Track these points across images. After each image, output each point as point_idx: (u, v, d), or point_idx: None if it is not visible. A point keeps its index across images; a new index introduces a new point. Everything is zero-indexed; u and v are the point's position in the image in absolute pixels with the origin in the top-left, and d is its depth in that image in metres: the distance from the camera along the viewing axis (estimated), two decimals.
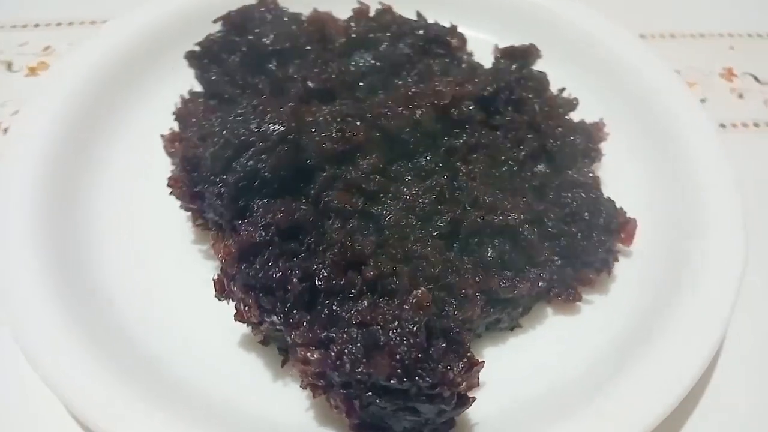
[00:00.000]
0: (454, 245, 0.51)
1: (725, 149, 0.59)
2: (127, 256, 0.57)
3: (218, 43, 0.59)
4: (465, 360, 0.44)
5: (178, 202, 0.55)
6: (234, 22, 0.60)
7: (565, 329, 0.53)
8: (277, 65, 0.59)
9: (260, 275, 0.45)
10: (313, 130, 0.50)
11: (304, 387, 0.45)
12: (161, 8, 0.72)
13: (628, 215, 0.55)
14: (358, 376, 0.41)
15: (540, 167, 0.55)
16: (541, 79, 0.58)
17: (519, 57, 0.59)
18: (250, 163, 0.48)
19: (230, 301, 0.47)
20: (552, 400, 0.48)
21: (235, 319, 0.48)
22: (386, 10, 0.61)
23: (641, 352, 0.48)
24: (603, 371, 0.49)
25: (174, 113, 0.59)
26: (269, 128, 0.48)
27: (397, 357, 0.41)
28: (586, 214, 0.54)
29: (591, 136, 0.58)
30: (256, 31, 0.59)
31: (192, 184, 0.51)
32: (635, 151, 0.63)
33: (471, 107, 0.53)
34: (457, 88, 0.53)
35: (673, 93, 0.64)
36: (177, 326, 0.53)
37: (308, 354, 0.43)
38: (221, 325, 0.50)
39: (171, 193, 0.54)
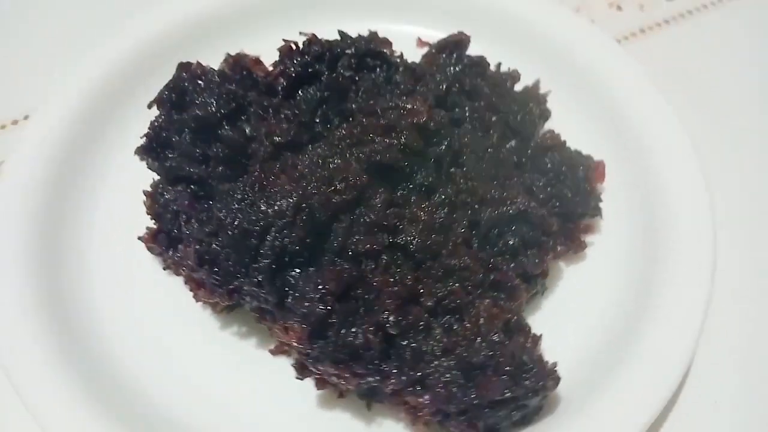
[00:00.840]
0: (476, 245, 0.54)
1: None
2: (127, 312, 0.58)
3: (163, 127, 0.58)
4: (532, 340, 0.49)
5: None
6: (171, 101, 0.58)
7: (583, 277, 0.59)
8: (229, 128, 0.58)
9: (342, 345, 0.46)
10: (315, 188, 0.51)
11: (416, 424, 0.48)
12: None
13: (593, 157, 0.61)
14: (475, 401, 0.45)
15: (511, 143, 0.59)
16: (481, 62, 0.61)
17: (453, 48, 0.62)
18: (277, 243, 0.48)
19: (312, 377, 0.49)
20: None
21: (318, 389, 0.50)
22: (312, 41, 0.61)
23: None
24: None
25: (147, 212, 0.58)
26: (282, 204, 0.49)
27: (501, 371, 0.45)
28: (566, 170, 0.59)
29: (537, 98, 0.62)
30: (196, 102, 0.58)
31: (216, 280, 0.51)
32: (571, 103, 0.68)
33: (441, 114, 0.56)
34: (426, 103, 0.55)
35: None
36: (189, 378, 0.55)
37: (417, 399, 0.46)
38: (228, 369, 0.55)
39: (198, 301, 0.55)
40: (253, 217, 0.49)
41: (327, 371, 0.47)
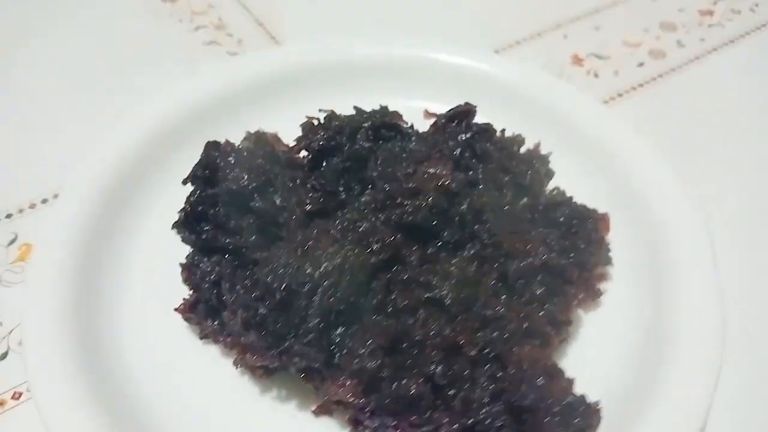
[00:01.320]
0: (504, 296, 0.57)
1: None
2: (165, 383, 0.59)
3: (198, 202, 0.60)
4: (568, 383, 0.52)
5: None
6: (203, 177, 0.61)
7: (601, 323, 0.63)
8: (260, 200, 0.61)
9: (396, 397, 0.49)
10: (353, 249, 0.54)
11: None
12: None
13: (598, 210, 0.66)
14: None
15: (524, 201, 0.63)
16: (489, 128, 0.66)
17: (461, 117, 0.67)
18: (324, 303, 0.51)
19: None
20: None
21: None
22: (332, 117, 0.65)
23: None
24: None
25: (185, 282, 0.60)
26: (328, 266, 0.52)
27: (551, 412, 0.48)
28: (576, 223, 0.63)
29: (541, 159, 0.67)
30: (228, 177, 0.61)
31: (266, 342, 0.53)
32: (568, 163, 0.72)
33: (461, 176, 0.60)
34: (448, 166, 0.59)
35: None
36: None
37: None
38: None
39: (240, 366, 0.57)
40: (301, 280, 0.51)
41: (384, 423, 0.49)
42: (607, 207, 0.66)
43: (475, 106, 0.67)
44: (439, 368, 0.50)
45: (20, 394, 0.60)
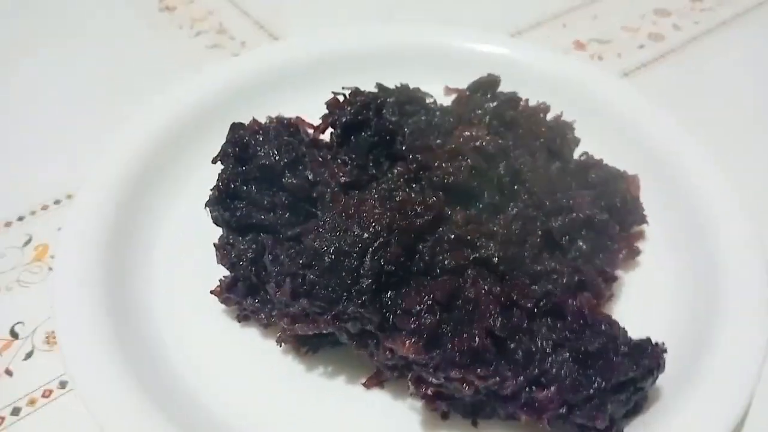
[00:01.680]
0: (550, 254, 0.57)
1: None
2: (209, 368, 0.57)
3: (231, 179, 0.59)
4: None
5: None
6: (234, 155, 0.60)
7: (642, 282, 0.62)
8: (292, 176, 0.59)
9: (462, 351, 0.47)
10: (398, 212, 0.53)
11: (540, 423, 0.48)
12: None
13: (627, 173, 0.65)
14: (602, 384, 0.46)
15: (557, 164, 0.63)
16: (514, 97, 0.66)
17: (487, 87, 0.66)
18: (375, 263, 0.50)
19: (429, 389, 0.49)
20: None
21: (430, 409, 0.51)
22: (356, 92, 0.65)
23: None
24: None
25: (220, 263, 0.58)
26: (377, 226, 0.51)
27: (620, 353, 0.47)
28: (609, 184, 0.63)
29: (567, 125, 0.67)
30: (260, 153, 0.59)
31: (319, 307, 0.51)
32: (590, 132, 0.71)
33: (497, 139, 0.60)
34: (484, 128, 0.59)
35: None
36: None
37: (542, 393, 0.47)
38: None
39: (285, 343, 0.56)
40: (351, 241, 0.50)
41: (449, 377, 0.48)
42: (633, 171, 0.66)
43: (499, 76, 0.67)
44: (499, 321, 0.49)
45: (50, 392, 0.57)
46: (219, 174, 0.59)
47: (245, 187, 0.59)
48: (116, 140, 0.69)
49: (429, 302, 0.49)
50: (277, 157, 0.59)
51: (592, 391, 0.47)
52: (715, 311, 0.56)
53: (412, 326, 0.48)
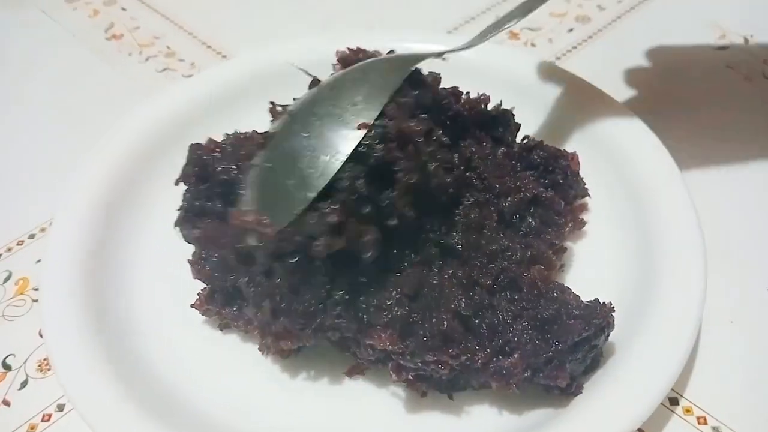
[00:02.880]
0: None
1: None
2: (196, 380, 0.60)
3: (194, 198, 0.62)
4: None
5: None
6: (195, 175, 0.63)
7: (588, 251, 0.68)
8: None
9: (431, 335, 0.52)
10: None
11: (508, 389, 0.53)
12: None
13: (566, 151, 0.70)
14: (560, 346, 0.51)
15: (502, 149, 0.68)
16: (454, 92, 0.70)
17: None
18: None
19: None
20: None
21: (411, 389, 0.57)
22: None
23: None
24: None
25: (196, 277, 0.61)
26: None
27: (573, 316, 0.52)
28: (552, 162, 0.68)
29: (507, 113, 0.72)
30: (218, 170, 0.62)
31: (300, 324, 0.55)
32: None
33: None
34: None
35: None
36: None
37: (507, 362, 0.52)
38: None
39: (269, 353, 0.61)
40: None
41: (424, 361, 0.52)
42: (572, 148, 0.71)
43: (439, 74, 0.71)
44: (462, 302, 0.53)
45: (49, 416, 0.60)
46: (183, 194, 0.63)
47: (209, 204, 0.62)
48: (83, 168, 0.72)
49: (397, 296, 0.53)
50: (236, 172, 0.61)
51: (551, 353, 0.52)
52: (657, 269, 0.62)
53: (385, 320, 0.53)
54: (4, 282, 0.71)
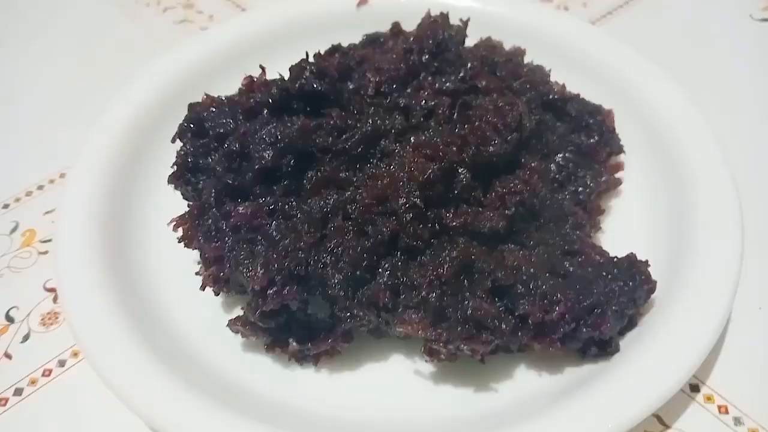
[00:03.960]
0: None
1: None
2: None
3: (190, 154, 0.59)
4: None
5: None
6: (191, 131, 0.60)
7: (625, 211, 0.65)
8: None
9: (465, 320, 0.49)
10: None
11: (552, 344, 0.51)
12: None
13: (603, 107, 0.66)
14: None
15: (546, 119, 0.64)
16: (494, 44, 0.67)
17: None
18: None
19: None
20: None
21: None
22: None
23: None
24: None
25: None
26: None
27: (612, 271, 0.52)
28: (587, 117, 0.64)
29: (542, 69, 0.68)
30: (217, 125, 0.59)
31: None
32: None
33: None
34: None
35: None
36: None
37: (549, 315, 0.49)
38: None
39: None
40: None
41: (458, 348, 0.49)
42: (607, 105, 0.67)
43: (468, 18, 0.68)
44: (501, 273, 0.50)
45: (50, 371, 0.58)
46: (177, 151, 0.59)
47: (209, 160, 0.58)
48: (101, 121, 0.69)
49: (432, 277, 0.50)
50: (231, 126, 0.59)
51: (593, 299, 0.50)
52: (694, 228, 0.58)
53: (416, 300, 0.50)
54: (11, 233, 0.69)
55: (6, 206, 0.72)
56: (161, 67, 0.76)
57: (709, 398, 0.54)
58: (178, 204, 0.60)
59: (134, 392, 0.49)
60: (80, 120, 0.74)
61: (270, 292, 0.49)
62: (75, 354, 0.59)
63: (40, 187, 0.73)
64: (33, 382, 0.58)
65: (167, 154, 0.63)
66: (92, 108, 0.72)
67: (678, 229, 0.60)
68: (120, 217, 0.63)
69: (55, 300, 0.63)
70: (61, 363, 0.59)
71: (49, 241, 0.68)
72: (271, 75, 0.62)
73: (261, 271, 0.49)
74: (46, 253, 0.67)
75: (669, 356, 0.49)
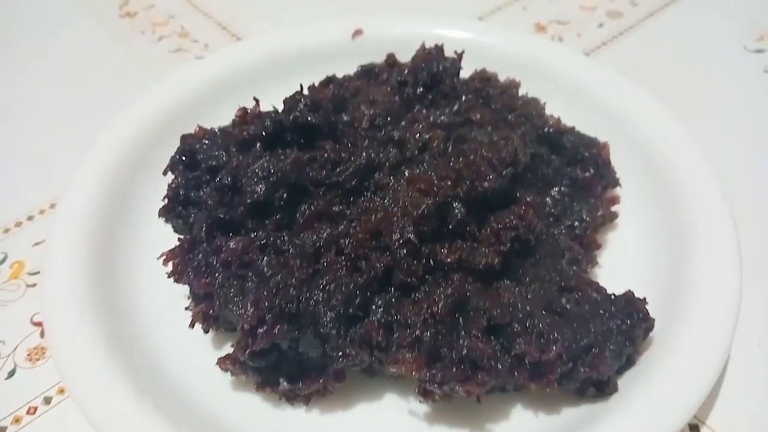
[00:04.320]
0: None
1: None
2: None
3: (181, 186, 0.59)
4: None
5: None
6: (182, 163, 0.59)
7: (620, 246, 0.64)
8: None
9: (460, 361, 0.48)
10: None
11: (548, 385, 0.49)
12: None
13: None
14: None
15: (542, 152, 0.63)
16: (489, 76, 0.67)
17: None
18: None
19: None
20: None
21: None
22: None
23: None
24: None
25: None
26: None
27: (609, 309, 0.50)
28: (582, 150, 0.63)
29: (536, 101, 0.68)
30: (209, 157, 0.59)
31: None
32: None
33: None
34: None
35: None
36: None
37: (546, 355, 0.48)
38: None
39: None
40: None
41: (453, 389, 0.48)
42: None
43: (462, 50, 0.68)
44: (496, 312, 0.49)
45: (35, 409, 0.57)
46: (168, 184, 0.59)
47: (195, 192, 0.58)
48: (92, 152, 0.68)
49: (426, 315, 0.49)
50: (224, 158, 0.58)
51: (591, 339, 0.49)
52: (692, 262, 0.57)
53: (409, 339, 0.48)
54: None
55: None
56: (154, 96, 0.75)
57: None
58: (169, 237, 0.58)
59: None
60: (72, 149, 0.74)
61: (260, 330, 0.48)
62: (61, 391, 0.58)
63: (30, 218, 0.72)
64: (17, 420, 0.56)
65: (159, 186, 0.62)
66: (84, 137, 0.71)
67: (676, 264, 0.59)
68: (109, 250, 0.62)
69: (42, 335, 0.62)
70: (47, 400, 0.57)
71: (38, 273, 0.67)
72: (266, 105, 0.62)
73: (251, 309, 0.48)
74: (34, 285, 0.66)
75: (668, 396, 0.48)
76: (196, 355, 0.57)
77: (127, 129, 0.71)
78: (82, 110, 0.85)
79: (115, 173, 0.67)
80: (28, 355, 0.61)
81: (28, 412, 0.57)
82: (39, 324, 0.63)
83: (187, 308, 0.57)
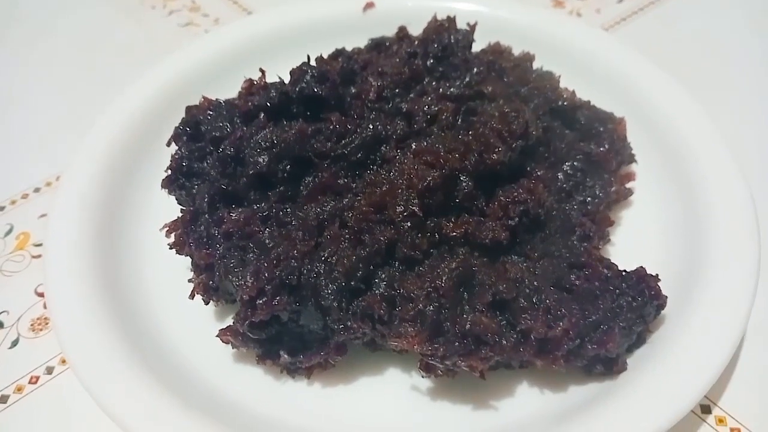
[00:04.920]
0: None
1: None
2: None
3: (185, 158, 0.57)
4: None
5: None
6: (186, 134, 0.58)
7: (635, 222, 0.62)
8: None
9: (463, 336, 0.47)
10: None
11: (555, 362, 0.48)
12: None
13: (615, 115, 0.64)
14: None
15: (555, 126, 0.62)
16: (503, 49, 0.65)
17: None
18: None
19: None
20: None
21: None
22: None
23: None
24: None
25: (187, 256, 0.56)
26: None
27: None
28: (597, 125, 0.61)
29: (550, 74, 0.66)
30: (213, 128, 0.57)
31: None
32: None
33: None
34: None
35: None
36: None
37: (555, 331, 0.47)
38: None
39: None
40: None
41: (456, 364, 0.47)
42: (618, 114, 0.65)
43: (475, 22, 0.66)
44: (503, 286, 0.48)
45: (37, 378, 0.57)
46: (171, 155, 0.58)
47: (204, 164, 0.56)
48: (98, 125, 0.68)
49: (429, 289, 0.48)
50: (228, 129, 0.57)
51: (600, 315, 0.47)
52: (707, 242, 0.55)
53: (412, 313, 0.47)
54: (5, 236, 0.68)
55: (1, 208, 0.70)
56: (162, 70, 0.74)
57: (721, 420, 0.52)
58: (172, 209, 0.58)
59: (119, 405, 0.47)
60: (80, 123, 0.73)
61: (259, 302, 0.47)
62: (63, 361, 0.58)
63: (37, 190, 0.72)
64: (19, 389, 0.56)
65: (163, 157, 0.61)
66: (93, 111, 0.71)
67: (690, 243, 0.57)
68: (112, 221, 0.62)
69: (45, 305, 0.62)
70: (49, 370, 0.57)
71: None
72: (275, 78, 0.61)
73: (251, 280, 0.47)
74: (39, 256, 0.66)
75: (679, 376, 0.47)
76: (198, 327, 0.56)
77: (132, 102, 0.70)
78: (92, 84, 0.84)
79: (119, 145, 0.66)
80: (32, 325, 0.60)
81: (30, 382, 0.56)
82: (42, 295, 0.62)
83: (190, 280, 0.57)
